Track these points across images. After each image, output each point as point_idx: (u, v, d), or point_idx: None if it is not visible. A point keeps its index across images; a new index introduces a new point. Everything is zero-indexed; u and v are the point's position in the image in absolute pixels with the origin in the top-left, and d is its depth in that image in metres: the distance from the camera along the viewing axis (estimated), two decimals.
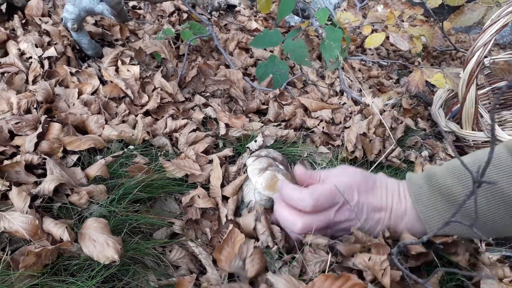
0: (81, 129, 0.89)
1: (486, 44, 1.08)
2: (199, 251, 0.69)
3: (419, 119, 1.37)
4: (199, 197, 0.78)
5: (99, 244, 0.61)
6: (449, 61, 2.13)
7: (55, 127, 0.80)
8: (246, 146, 0.95)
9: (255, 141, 0.95)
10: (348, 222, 0.69)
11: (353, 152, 1.03)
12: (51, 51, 1.05)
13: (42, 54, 1.05)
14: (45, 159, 0.73)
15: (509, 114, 1.62)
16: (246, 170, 0.83)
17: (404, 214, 0.69)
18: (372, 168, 1.02)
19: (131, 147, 0.85)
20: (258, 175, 0.78)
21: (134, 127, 0.92)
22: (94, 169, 0.74)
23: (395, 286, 0.60)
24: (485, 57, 1.16)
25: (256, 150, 0.93)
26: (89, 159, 0.81)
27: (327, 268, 0.64)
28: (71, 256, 0.62)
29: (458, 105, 1.44)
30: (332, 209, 0.68)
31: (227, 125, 1.01)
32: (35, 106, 0.89)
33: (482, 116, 1.24)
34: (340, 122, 1.18)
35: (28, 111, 0.87)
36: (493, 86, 1.61)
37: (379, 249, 0.65)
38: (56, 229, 0.61)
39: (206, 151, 0.93)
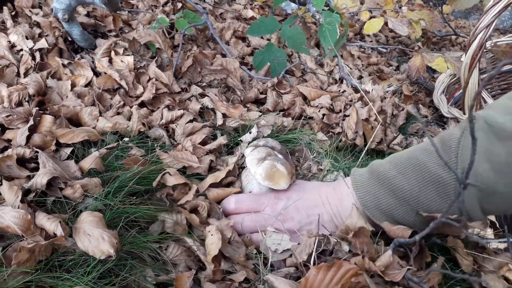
0: (75, 121, 0.86)
1: (489, 26, 1.06)
2: (196, 246, 0.67)
3: (420, 105, 1.35)
4: (170, 175, 0.75)
5: (94, 239, 0.59)
6: (449, 47, 2.10)
7: (47, 119, 0.78)
8: (239, 139, 0.93)
9: (250, 132, 0.93)
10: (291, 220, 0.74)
11: (353, 139, 1.01)
12: (42, 43, 1.02)
13: (33, 46, 1.02)
14: (37, 152, 0.71)
15: None
16: (244, 160, 0.81)
17: (342, 201, 0.73)
18: (363, 153, 1.00)
19: (126, 139, 0.83)
20: (257, 165, 0.76)
21: (129, 119, 0.89)
22: (88, 162, 0.72)
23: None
24: (487, 40, 1.13)
25: (252, 141, 0.91)
26: (83, 152, 0.78)
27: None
28: (65, 251, 0.60)
29: (460, 90, 1.42)
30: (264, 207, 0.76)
31: (224, 115, 0.99)
32: (26, 99, 0.87)
33: (485, 102, 1.22)
34: (340, 110, 1.16)
35: (19, 104, 0.85)
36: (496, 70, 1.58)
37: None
38: (49, 224, 0.59)
39: (204, 142, 0.90)
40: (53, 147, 0.75)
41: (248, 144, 0.88)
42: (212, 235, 0.67)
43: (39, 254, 0.57)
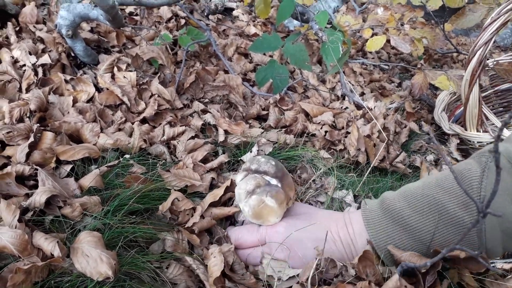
0: (76, 138, 0.86)
1: (487, 43, 1.06)
2: (196, 266, 0.65)
3: (423, 122, 1.34)
4: (178, 200, 0.74)
5: (92, 260, 0.57)
6: (451, 64, 2.11)
7: (48, 136, 0.77)
8: (240, 158, 0.92)
9: (250, 151, 0.92)
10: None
11: (356, 156, 1.00)
12: (45, 58, 1.02)
13: (36, 61, 1.02)
14: (36, 169, 0.70)
15: None
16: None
17: (355, 241, 0.69)
18: (367, 172, 0.99)
19: (127, 156, 0.82)
20: (245, 201, 0.72)
21: (130, 135, 0.89)
22: (88, 180, 0.71)
23: None
24: (487, 58, 1.13)
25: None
26: (83, 169, 0.78)
27: None
28: (63, 272, 0.58)
29: (461, 108, 1.42)
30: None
31: (226, 132, 0.98)
32: (28, 115, 0.86)
33: (487, 118, 1.21)
34: (343, 128, 1.15)
35: (20, 120, 0.84)
36: (496, 88, 1.58)
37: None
38: (47, 244, 0.58)
39: (205, 159, 0.90)
40: (53, 164, 0.74)
41: (241, 168, 0.86)
42: (214, 257, 0.65)
43: (35, 276, 0.55)
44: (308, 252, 0.68)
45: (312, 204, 0.89)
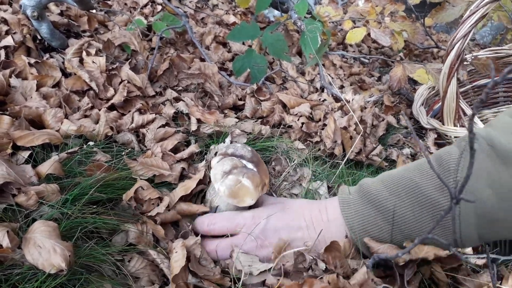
0: (38, 123, 0.81)
1: (466, 36, 1.06)
2: (160, 260, 0.62)
3: (401, 116, 1.34)
4: (143, 189, 0.71)
5: (45, 251, 0.54)
6: (431, 60, 2.12)
7: (4, 120, 0.73)
8: (215, 151, 0.89)
9: (224, 142, 0.89)
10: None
11: (332, 148, 0.98)
12: (8, 40, 0.97)
13: None
14: None
15: (490, 113, 1.61)
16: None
17: (328, 226, 0.67)
18: (342, 164, 0.98)
19: (91, 143, 0.78)
20: (221, 181, 0.70)
21: (96, 122, 0.85)
22: (46, 167, 0.67)
23: None
24: (465, 50, 1.13)
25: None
26: (43, 156, 0.73)
27: None
28: (13, 264, 0.54)
29: (440, 103, 1.42)
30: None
31: (199, 121, 0.95)
32: None
33: (465, 114, 1.21)
34: (320, 119, 1.13)
35: None
36: (474, 84, 1.59)
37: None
38: None
39: (176, 149, 0.86)
40: (9, 150, 0.69)
41: (216, 153, 0.83)
42: (176, 252, 0.62)
43: None
44: (280, 241, 0.66)
45: (286, 197, 0.87)
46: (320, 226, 0.67)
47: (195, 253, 0.66)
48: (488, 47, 1.83)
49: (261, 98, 1.16)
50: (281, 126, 1.09)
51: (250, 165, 0.74)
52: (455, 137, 1.22)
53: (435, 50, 2.17)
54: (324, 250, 0.59)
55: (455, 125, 1.22)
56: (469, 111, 1.26)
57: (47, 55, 1.04)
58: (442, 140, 1.27)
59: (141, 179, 0.74)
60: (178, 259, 0.60)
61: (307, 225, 0.68)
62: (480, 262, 0.78)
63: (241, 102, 1.13)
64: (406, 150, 1.14)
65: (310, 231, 0.68)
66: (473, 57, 1.34)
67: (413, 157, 1.18)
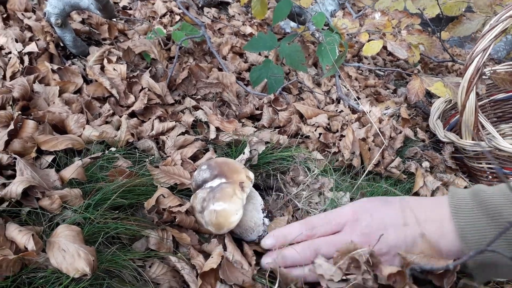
0: (60, 129, 0.82)
1: (486, 49, 1.05)
2: (181, 266, 0.62)
3: (418, 129, 1.33)
4: (164, 197, 0.70)
5: (69, 255, 0.54)
6: (446, 73, 2.11)
7: (30, 124, 0.74)
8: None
9: (243, 153, 0.88)
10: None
11: (350, 159, 0.98)
12: (32, 47, 0.98)
13: (23, 49, 0.98)
14: (15, 158, 0.66)
15: (508, 127, 1.59)
16: None
17: (438, 229, 0.62)
18: (362, 176, 0.97)
19: (113, 149, 0.78)
20: (204, 221, 0.69)
21: (117, 129, 0.85)
22: (70, 171, 0.67)
23: None
24: (484, 64, 1.12)
25: (247, 161, 0.86)
26: (66, 160, 0.74)
27: None
28: (36, 267, 0.54)
29: (456, 116, 1.40)
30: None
31: (218, 129, 0.95)
32: (10, 103, 0.82)
33: (483, 127, 1.19)
34: (337, 130, 1.13)
35: (2, 107, 0.80)
36: (492, 98, 1.58)
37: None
38: (21, 236, 0.54)
39: (195, 156, 0.86)
40: (33, 154, 0.70)
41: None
42: (212, 257, 0.62)
43: (6, 269, 0.51)
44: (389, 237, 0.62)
45: (303, 207, 0.86)
46: (431, 225, 0.62)
47: (227, 257, 0.66)
48: (503, 62, 1.82)
49: (278, 108, 1.17)
50: (298, 136, 1.08)
51: (215, 182, 0.71)
52: (473, 151, 1.21)
53: (450, 64, 2.17)
54: (388, 277, 0.56)
55: (473, 139, 1.21)
56: (487, 125, 1.24)
57: (69, 62, 1.06)
58: (460, 154, 1.26)
59: (161, 186, 0.74)
60: (212, 262, 0.60)
61: (416, 220, 0.62)
62: None
63: (258, 112, 1.14)
64: (425, 163, 1.13)
65: (415, 228, 0.62)
66: (491, 71, 1.33)
67: (431, 170, 1.17)
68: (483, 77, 1.32)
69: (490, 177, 1.21)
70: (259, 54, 1.49)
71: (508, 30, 1.66)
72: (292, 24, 1.80)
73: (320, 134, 1.07)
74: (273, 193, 0.91)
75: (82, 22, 1.24)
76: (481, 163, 1.21)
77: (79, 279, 0.53)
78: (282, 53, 1.28)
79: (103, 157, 0.74)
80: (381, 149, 0.98)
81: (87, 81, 1.00)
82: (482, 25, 1.53)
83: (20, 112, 0.76)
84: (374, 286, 0.57)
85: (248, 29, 1.66)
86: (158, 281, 0.63)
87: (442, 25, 1.65)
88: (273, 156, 0.95)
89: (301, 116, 1.17)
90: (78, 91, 0.96)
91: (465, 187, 1.15)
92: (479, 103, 1.53)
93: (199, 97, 1.10)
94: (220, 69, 1.24)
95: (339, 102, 1.34)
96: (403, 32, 1.47)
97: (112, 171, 0.72)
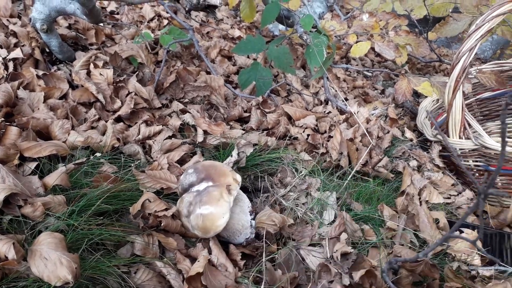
0: (45, 135, 0.81)
1: (472, 49, 1.06)
2: (167, 271, 0.61)
3: (405, 129, 1.33)
4: (149, 202, 0.70)
5: (51, 263, 0.53)
6: (433, 73, 2.13)
7: (13, 131, 0.73)
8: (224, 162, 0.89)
9: (231, 156, 0.88)
10: None
11: (338, 160, 0.98)
12: (17, 53, 0.98)
13: (7, 55, 0.97)
14: None
15: (494, 125, 1.60)
16: None
17: None
18: (350, 176, 0.97)
19: (98, 154, 0.78)
20: (190, 226, 0.69)
21: (103, 134, 0.85)
22: (53, 178, 0.67)
23: None
24: (471, 64, 1.13)
25: (234, 164, 0.86)
26: (50, 167, 0.73)
27: None
28: (18, 276, 0.54)
29: (443, 116, 1.42)
30: None
31: (205, 132, 0.95)
32: None
33: (470, 125, 1.20)
34: (325, 131, 1.13)
35: None
36: (478, 97, 1.59)
37: None
38: (1, 245, 0.53)
39: (182, 160, 0.86)
40: (16, 161, 0.69)
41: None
42: (199, 261, 0.62)
43: None
44: None
45: (292, 207, 0.86)
46: None
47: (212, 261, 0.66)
48: (489, 61, 1.84)
49: (267, 110, 1.17)
50: (287, 137, 1.09)
51: (202, 185, 0.71)
52: (460, 149, 1.21)
53: (437, 64, 2.18)
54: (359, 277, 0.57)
55: (460, 137, 1.22)
56: (474, 123, 1.25)
57: (55, 67, 1.05)
58: (447, 153, 1.27)
59: (147, 191, 0.74)
60: (198, 266, 0.60)
61: None
62: (488, 273, 0.77)
63: (246, 114, 1.14)
64: (413, 162, 1.14)
65: None
66: (477, 71, 1.34)
67: (418, 168, 1.17)
68: (469, 76, 1.34)
69: (477, 174, 1.22)
70: (248, 57, 1.49)
71: (494, 30, 1.68)
72: (281, 27, 1.81)
73: (308, 135, 1.07)
74: (261, 195, 0.91)
75: (69, 27, 1.23)
76: (468, 161, 1.22)
77: (61, 287, 0.53)
78: (270, 56, 1.27)
79: (87, 162, 0.74)
80: (368, 149, 0.98)
81: (73, 86, 0.99)
82: (469, 25, 1.54)
83: (3, 119, 0.75)
84: None
85: (236, 32, 1.66)
86: (143, 287, 0.62)
87: (429, 26, 1.66)
88: (261, 158, 0.95)
89: (289, 118, 1.17)
90: (64, 96, 0.95)
91: (452, 185, 1.16)
92: (466, 102, 1.54)
93: (186, 100, 1.09)
94: (208, 72, 1.23)
95: (327, 104, 1.35)
96: (391, 33, 1.48)
97: (96, 176, 0.71)
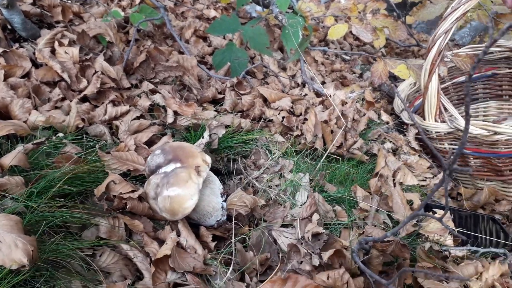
0: (4, 114, 0.77)
1: (447, 32, 1.06)
2: (134, 254, 0.59)
3: (382, 112, 1.33)
4: (115, 183, 0.67)
5: (6, 246, 0.50)
6: (412, 59, 2.14)
7: None
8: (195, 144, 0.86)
9: (202, 137, 0.85)
10: None
11: (313, 142, 0.97)
12: None
13: None
14: None
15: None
16: None
17: None
18: (323, 158, 0.96)
19: (61, 134, 0.74)
20: (158, 208, 0.67)
21: (67, 114, 0.81)
22: (10, 158, 0.63)
23: None
24: (446, 46, 1.13)
25: (205, 146, 0.84)
26: (8, 147, 0.69)
27: None
28: None
29: (420, 99, 1.42)
30: None
31: (176, 113, 0.92)
32: None
33: (445, 109, 1.21)
34: (301, 114, 1.11)
35: None
36: (454, 80, 1.61)
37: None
38: None
39: (151, 141, 0.83)
40: None
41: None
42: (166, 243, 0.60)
43: None
44: None
45: (266, 189, 0.85)
46: None
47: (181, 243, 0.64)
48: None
49: (242, 92, 1.14)
50: (262, 120, 1.07)
51: (170, 167, 0.69)
52: (436, 132, 1.22)
53: (416, 48, 2.19)
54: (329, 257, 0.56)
55: (436, 121, 1.22)
56: (450, 107, 1.26)
57: (17, 45, 1.00)
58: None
59: (113, 173, 0.71)
60: (165, 249, 0.58)
61: None
62: (461, 253, 0.77)
63: (220, 96, 1.11)
64: (388, 145, 1.14)
65: None
66: (453, 54, 1.34)
67: (394, 151, 1.18)
68: (446, 59, 1.34)
69: (452, 157, 1.23)
70: (224, 37, 1.45)
71: (471, 16, 1.68)
72: (258, 8, 1.77)
73: (283, 117, 1.06)
74: (235, 177, 0.89)
75: (33, 3, 1.17)
76: (443, 144, 1.23)
77: (17, 270, 0.50)
78: (245, 36, 1.25)
79: (49, 143, 0.70)
80: (341, 130, 0.97)
81: (36, 65, 0.94)
82: (445, 8, 1.54)
83: None
84: None
85: (212, 13, 1.62)
86: (108, 270, 0.60)
87: (407, 9, 1.66)
88: (235, 140, 0.93)
89: (265, 100, 1.15)
90: (26, 75, 0.91)
91: (428, 168, 1.17)
92: (442, 86, 1.55)
93: (157, 81, 1.06)
94: (182, 53, 1.20)
95: (304, 86, 1.33)
96: (368, 16, 1.47)
97: (58, 157, 0.68)
